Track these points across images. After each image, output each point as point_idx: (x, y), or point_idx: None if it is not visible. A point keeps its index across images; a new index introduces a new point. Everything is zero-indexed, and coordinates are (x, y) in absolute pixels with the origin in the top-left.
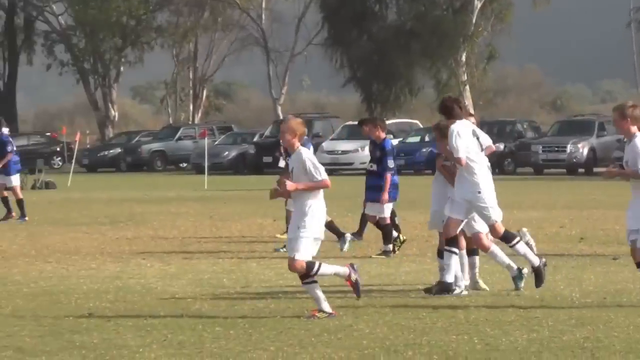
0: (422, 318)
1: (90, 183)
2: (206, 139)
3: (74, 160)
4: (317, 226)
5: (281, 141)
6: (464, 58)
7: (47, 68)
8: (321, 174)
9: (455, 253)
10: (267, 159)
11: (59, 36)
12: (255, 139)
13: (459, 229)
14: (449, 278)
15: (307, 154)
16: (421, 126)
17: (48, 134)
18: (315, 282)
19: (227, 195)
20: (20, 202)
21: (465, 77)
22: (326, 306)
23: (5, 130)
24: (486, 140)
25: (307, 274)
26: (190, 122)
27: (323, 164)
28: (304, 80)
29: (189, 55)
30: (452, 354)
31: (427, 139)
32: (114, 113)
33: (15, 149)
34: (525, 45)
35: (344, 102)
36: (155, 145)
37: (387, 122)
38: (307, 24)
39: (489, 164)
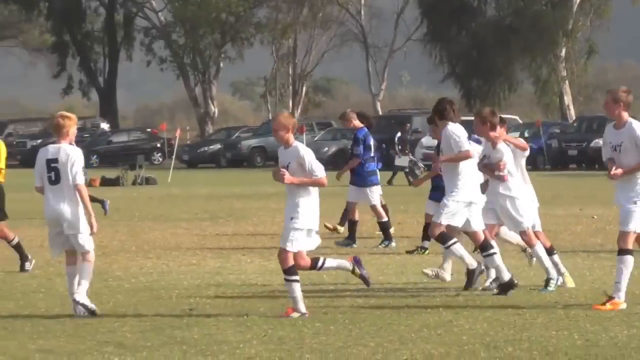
0: (521, 314)
1: (190, 179)
2: (305, 134)
3: (174, 156)
4: (310, 218)
5: (277, 139)
6: (563, 53)
7: (147, 64)
8: (320, 172)
9: (494, 253)
10: None
11: (158, 32)
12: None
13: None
14: (506, 276)
15: (304, 150)
16: (520, 122)
17: (148, 130)
18: (297, 281)
19: (327, 191)
20: (90, 198)
21: (564, 73)
22: (302, 307)
23: (106, 126)
24: (475, 147)
25: (313, 268)
26: None
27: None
28: (404, 76)
29: (289, 51)
30: (552, 349)
31: (526, 134)
32: (214, 109)
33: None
34: (623, 40)
35: None
36: (255, 141)
37: None
38: (406, 20)
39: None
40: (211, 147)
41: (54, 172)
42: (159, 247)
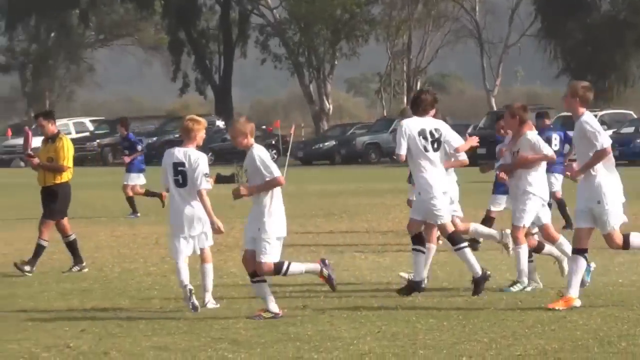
0: (635, 309)
1: (305, 176)
2: None
3: (288, 153)
4: (277, 225)
5: (236, 146)
6: None
7: (262, 62)
8: (272, 172)
9: (422, 252)
10: (481, 151)
11: (273, 30)
12: (469, 130)
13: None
14: (417, 277)
15: (258, 151)
16: (635, 117)
17: (263, 127)
18: (264, 281)
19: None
20: (130, 199)
21: None
22: (273, 306)
23: (221, 124)
24: (453, 142)
25: (277, 273)
26: None
27: None
28: (518, 72)
29: (403, 48)
30: None
31: None
32: (329, 106)
33: (143, 149)
34: None
35: (558, 94)
36: (370, 138)
37: (601, 112)
38: (521, 15)
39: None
40: (326, 143)
41: (181, 175)
42: None
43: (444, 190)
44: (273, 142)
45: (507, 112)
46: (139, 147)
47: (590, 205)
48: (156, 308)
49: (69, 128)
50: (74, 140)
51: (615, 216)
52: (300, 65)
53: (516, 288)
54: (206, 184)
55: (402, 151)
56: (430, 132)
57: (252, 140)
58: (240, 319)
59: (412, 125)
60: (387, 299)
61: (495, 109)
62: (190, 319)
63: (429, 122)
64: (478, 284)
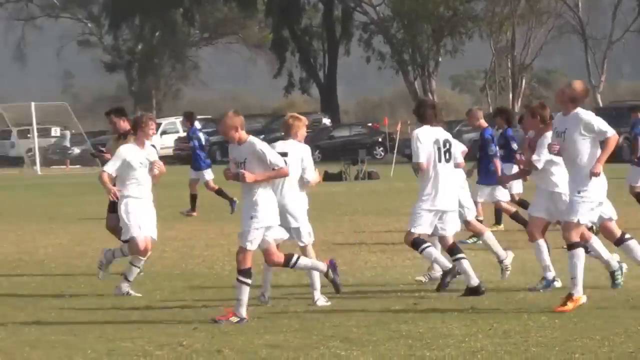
0: None
1: (412, 173)
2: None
3: (395, 150)
4: (268, 215)
5: (228, 140)
6: None
7: (367, 61)
8: (279, 162)
9: (463, 258)
10: None
11: (376, 27)
12: None
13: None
14: (473, 281)
15: (260, 144)
16: None
17: (369, 124)
18: (249, 285)
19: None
20: (220, 192)
21: None
22: (243, 311)
23: (327, 122)
24: (458, 154)
25: (286, 265)
26: None
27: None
28: (624, 68)
29: (507, 44)
30: None
31: None
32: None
33: (197, 144)
34: None
35: None
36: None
37: None
38: (624, 11)
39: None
40: None
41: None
42: (382, 242)
43: (441, 209)
44: (380, 139)
45: (527, 112)
46: (190, 143)
47: (572, 196)
48: (268, 306)
49: (177, 126)
50: (181, 139)
51: (586, 210)
52: (404, 63)
53: (618, 279)
54: (311, 175)
55: (422, 159)
56: (444, 142)
57: (244, 133)
58: (352, 316)
59: (426, 134)
60: (499, 297)
61: (601, 105)
62: (302, 317)
63: (440, 133)
64: (444, 275)
